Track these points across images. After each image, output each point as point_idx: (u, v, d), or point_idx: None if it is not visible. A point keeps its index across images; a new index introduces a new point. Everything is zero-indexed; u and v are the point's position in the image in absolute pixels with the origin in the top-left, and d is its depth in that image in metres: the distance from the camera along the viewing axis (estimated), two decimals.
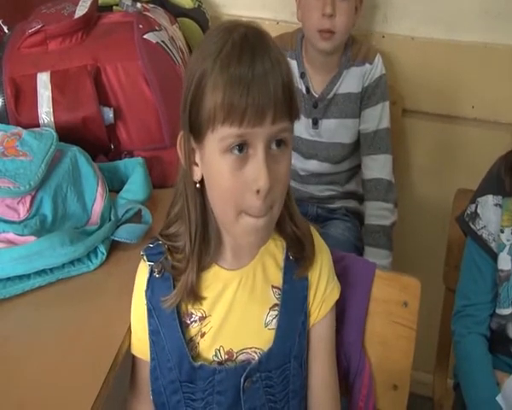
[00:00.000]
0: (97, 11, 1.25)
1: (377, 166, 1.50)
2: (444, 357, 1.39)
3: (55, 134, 1.01)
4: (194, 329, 0.86)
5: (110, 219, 1.01)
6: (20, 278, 0.91)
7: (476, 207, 1.17)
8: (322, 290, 0.91)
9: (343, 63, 1.49)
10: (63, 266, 0.94)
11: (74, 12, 1.18)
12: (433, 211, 1.72)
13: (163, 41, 1.20)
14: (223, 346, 0.86)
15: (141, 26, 1.18)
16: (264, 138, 0.74)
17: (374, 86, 1.48)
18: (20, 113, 1.09)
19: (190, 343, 0.86)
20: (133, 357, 0.90)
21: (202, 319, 0.86)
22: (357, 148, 1.54)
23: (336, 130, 1.51)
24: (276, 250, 0.89)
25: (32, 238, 0.92)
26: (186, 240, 0.83)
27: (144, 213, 1.04)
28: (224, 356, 0.86)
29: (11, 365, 0.80)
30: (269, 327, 0.87)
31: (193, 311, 0.86)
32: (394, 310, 0.99)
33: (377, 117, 1.49)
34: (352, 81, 1.49)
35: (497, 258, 1.13)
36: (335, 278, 0.94)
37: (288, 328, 0.88)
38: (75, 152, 1.03)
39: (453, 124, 1.65)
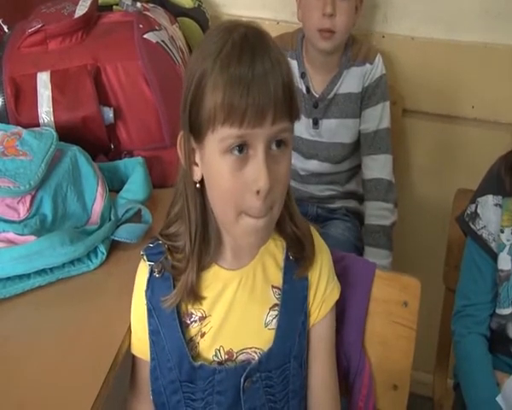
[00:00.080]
0: (97, 11, 1.25)
1: (377, 166, 1.50)
2: (444, 357, 1.39)
3: (55, 134, 1.01)
4: (194, 329, 0.86)
5: (110, 219, 1.01)
6: (20, 277, 0.91)
7: (476, 207, 1.17)
8: (322, 290, 0.91)
9: (343, 63, 1.49)
10: (63, 265, 0.94)
11: (74, 11, 1.18)
12: (433, 211, 1.72)
13: (163, 41, 1.20)
14: (223, 346, 0.86)
15: (141, 26, 1.18)
16: (265, 139, 0.73)
17: (374, 86, 1.48)
18: (20, 112, 1.09)
19: (190, 343, 0.86)
20: (133, 357, 0.90)
21: (202, 318, 0.86)
22: (358, 148, 1.54)
23: (336, 130, 1.51)
24: (276, 250, 0.89)
25: (32, 238, 0.92)
26: (186, 240, 0.83)
27: (144, 213, 1.04)
28: (223, 356, 0.86)
29: (11, 365, 0.80)
30: (269, 327, 0.87)
31: (193, 311, 0.86)
32: (394, 310, 0.99)
33: (377, 117, 1.49)
34: (352, 81, 1.48)
35: (497, 258, 1.13)
36: (335, 278, 0.94)
37: (288, 328, 0.88)
38: (75, 152, 1.03)
39: (453, 124, 1.65)
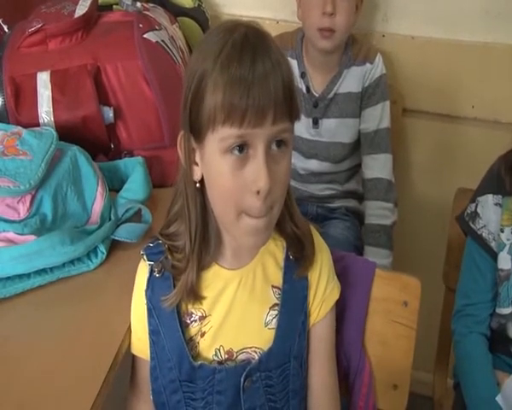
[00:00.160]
0: (97, 10, 1.25)
1: (377, 166, 1.50)
2: (444, 356, 1.39)
3: (55, 133, 1.01)
4: (194, 328, 0.86)
5: (110, 219, 1.01)
6: (20, 277, 0.91)
7: (476, 206, 1.17)
8: (322, 290, 0.91)
9: (343, 63, 1.49)
10: (63, 265, 0.94)
11: (74, 11, 1.18)
12: (433, 210, 1.72)
13: (163, 40, 1.20)
14: (223, 345, 0.86)
15: (141, 26, 1.18)
16: (265, 139, 0.73)
17: (374, 86, 1.48)
18: (20, 112, 1.09)
19: (190, 343, 0.86)
20: (133, 356, 0.90)
21: (202, 318, 0.86)
22: (358, 147, 1.54)
23: (336, 129, 1.51)
24: (276, 250, 0.89)
25: (32, 237, 0.92)
26: (186, 239, 0.83)
27: (144, 213, 1.04)
28: (223, 356, 0.86)
29: (11, 365, 0.80)
30: (269, 327, 0.87)
31: (193, 310, 0.86)
32: (394, 309, 0.99)
33: (377, 117, 1.49)
34: (352, 81, 1.48)
35: (497, 257, 1.13)
36: (335, 277, 0.94)
37: (288, 328, 0.88)
38: (75, 151, 1.03)
39: (453, 123, 1.64)
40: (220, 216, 0.81)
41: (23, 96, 1.09)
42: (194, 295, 0.84)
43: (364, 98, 1.50)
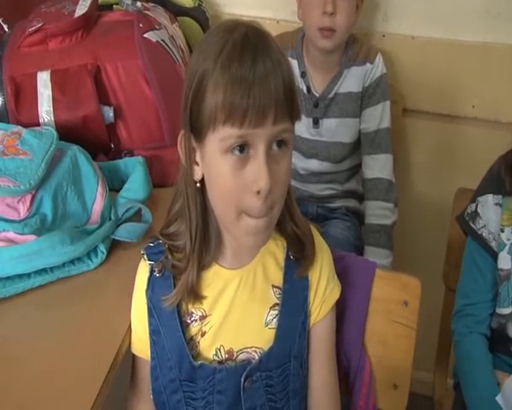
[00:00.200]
0: (97, 10, 1.25)
1: (378, 166, 1.50)
2: (444, 356, 1.39)
3: (55, 133, 1.01)
4: (194, 328, 0.86)
5: (110, 219, 1.01)
6: (20, 277, 0.91)
7: (476, 206, 1.17)
8: (323, 290, 0.90)
9: (344, 62, 1.49)
10: (63, 265, 0.94)
11: (74, 11, 1.18)
12: (433, 210, 1.72)
13: (163, 40, 1.20)
14: (223, 345, 0.86)
15: (141, 25, 1.18)
16: (265, 139, 0.73)
17: (374, 86, 1.48)
18: (21, 112, 1.09)
19: (191, 343, 0.86)
20: (133, 356, 0.90)
21: (203, 318, 0.86)
22: (358, 147, 1.54)
23: (337, 129, 1.51)
24: (276, 250, 0.89)
25: (33, 237, 0.92)
26: (186, 239, 0.83)
27: (144, 213, 1.04)
28: (224, 355, 0.86)
29: (11, 365, 0.80)
30: (269, 327, 0.87)
31: (193, 310, 0.86)
32: (394, 309, 0.99)
33: (378, 117, 1.49)
34: (352, 80, 1.48)
35: (498, 257, 1.13)
36: (336, 277, 0.94)
37: (289, 327, 0.88)
38: (75, 151, 1.03)
39: (453, 123, 1.64)
40: (220, 216, 0.81)
41: (23, 96, 1.09)
42: (195, 294, 0.84)
43: (365, 98, 1.50)
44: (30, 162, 0.95)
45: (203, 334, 0.86)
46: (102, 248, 0.97)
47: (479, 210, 1.17)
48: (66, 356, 0.82)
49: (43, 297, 0.91)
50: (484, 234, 1.15)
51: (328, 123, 1.51)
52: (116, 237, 0.99)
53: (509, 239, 1.12)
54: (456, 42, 1.55)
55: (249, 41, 0.73)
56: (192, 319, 0.86)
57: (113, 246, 1.00)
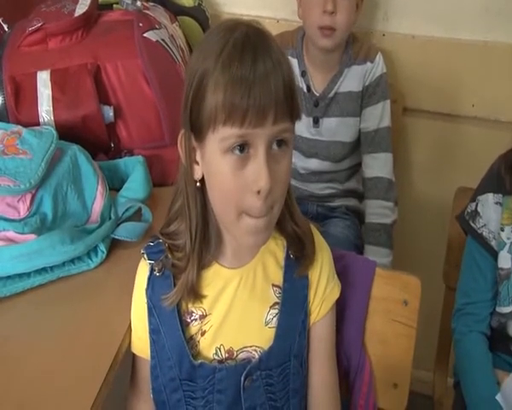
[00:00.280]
0: (97, 9, 1.25)
1: (378, 165, 1.50)
2: (444, 355, 1.39)
3: (55, 132, 1.01)
4: (194, 327, 0.86)
5: (110, 218, 1.01)
6: (21, 276, 0.91)
7: (476, 205, 1.17)
8: (323, 289, 0.90)
9: (344, 61, 1.49)
10: (63, 264, 0.94)
11: (74, 10, 1.18)
12: (433, 209, 1.72)
13: (163, 39, 1.20)
14: (223, 344, 0.86)
15: (141, 25, 1.18)
16: (266, 139, 0.73)
17: (375, 85, 1.48)
18: (20, 111, 1.09)
19: (191, 342, 0.86)
20: (133, 355, 0.90)
21: (203, 317, 0.86)
22: (358, 146, 1.54)
23: (337, 128, 1.51)
24: (276, 249, 0.89)
25: (33, 236, 0.92)
26: (186, 238, 0.83)
27: (144, 212, 1.04)
28: (224, 355, 0.86)
29: (11, 364, 0.80)
30: (269, 326, 0.87)
31: (193, 309, 0.86)
32: (394, 308, 0.99)
33: (378, 116, 1.49)
34: (352, 80, 1.48)
35: (498, 256, 1.13)
36: (336, 276, 0.94)
37: (289, 327, 0.88)
38: (75, 150, 1.03)
39: (453, 122, 1.64)
40: (220, 216, 0.81)
41: (23, 95, 1.09)
42: (195, 293, 0.84)
43: (365, 97, 1.49)
44: (30, 162, 0.95)
45: (203, 333, 0.86)
46: (102, 247, 0.97)
47: (479, 209, 1.17)
48: (66, 356, 0.82)
49: (44, 296, 0.91)
50: (484, 233, 1.15)
51: (329, 122, 1.51)
52: (116, 237, 0.99)
53: (509, 238, 1.12)
54: (456, 41, 1.55)
55: (250, 41, 0.73)
56: (192, 318, 0.86)
57: (113, 245, 1.00)
